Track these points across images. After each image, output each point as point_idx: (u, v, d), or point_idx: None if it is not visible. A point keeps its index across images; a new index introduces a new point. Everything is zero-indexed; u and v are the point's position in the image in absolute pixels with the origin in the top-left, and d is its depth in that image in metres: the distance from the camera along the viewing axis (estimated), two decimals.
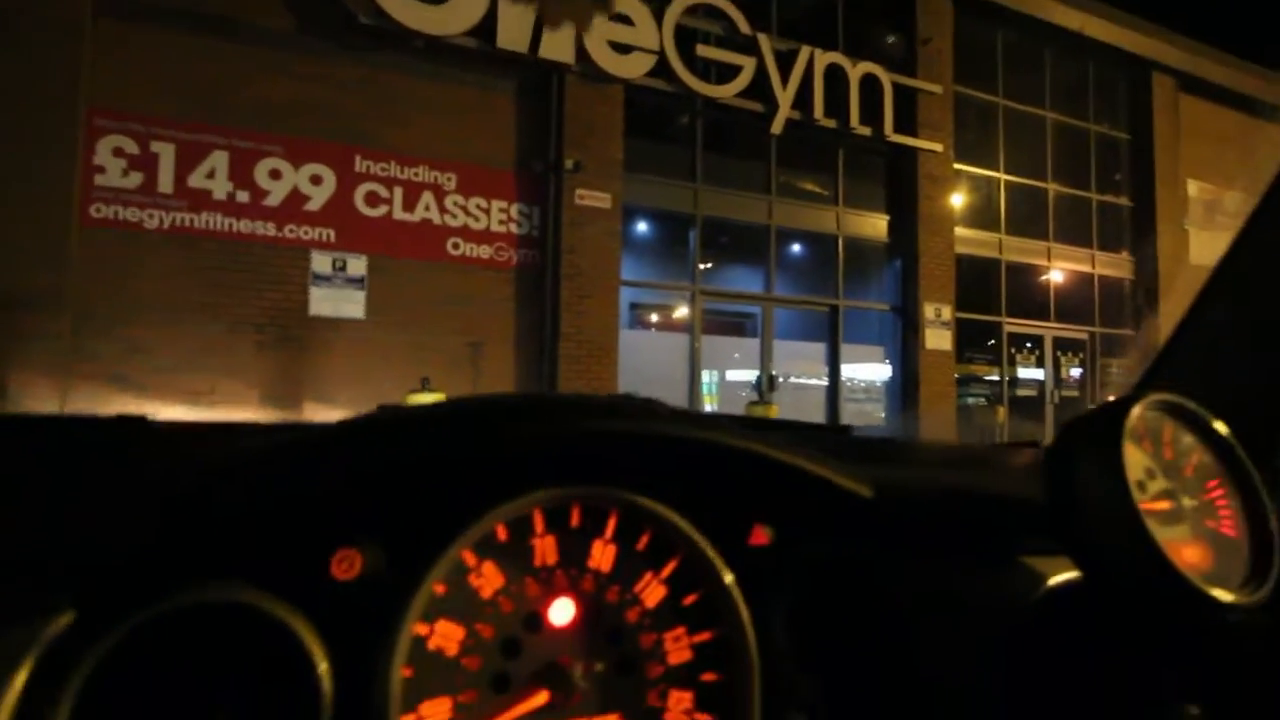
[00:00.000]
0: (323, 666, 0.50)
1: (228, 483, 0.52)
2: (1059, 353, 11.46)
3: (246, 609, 0.49)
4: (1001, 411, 10.13)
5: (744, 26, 8.37)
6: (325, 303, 6.62)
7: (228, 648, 0.49)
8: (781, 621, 0.63)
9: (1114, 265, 11.98)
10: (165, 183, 6.15)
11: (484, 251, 7.31)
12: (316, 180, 6.67)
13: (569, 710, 0.57)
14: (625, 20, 7.70)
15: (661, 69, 7.91)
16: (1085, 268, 11.67)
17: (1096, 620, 0.67)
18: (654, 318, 9.96)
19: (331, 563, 0.52)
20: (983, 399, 10.77)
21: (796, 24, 9.09)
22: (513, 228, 7.44)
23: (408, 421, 0.57)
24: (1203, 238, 12.83)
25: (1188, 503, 0.65)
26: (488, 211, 7.34)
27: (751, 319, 9.72)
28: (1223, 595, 0.60)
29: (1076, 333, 11.62)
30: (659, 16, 7.86)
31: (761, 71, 8.42)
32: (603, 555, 0.60)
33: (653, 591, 0.61)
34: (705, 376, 8.67)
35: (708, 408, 8.56)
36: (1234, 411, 0.71)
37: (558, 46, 7.33)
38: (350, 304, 6.67)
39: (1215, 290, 1.01)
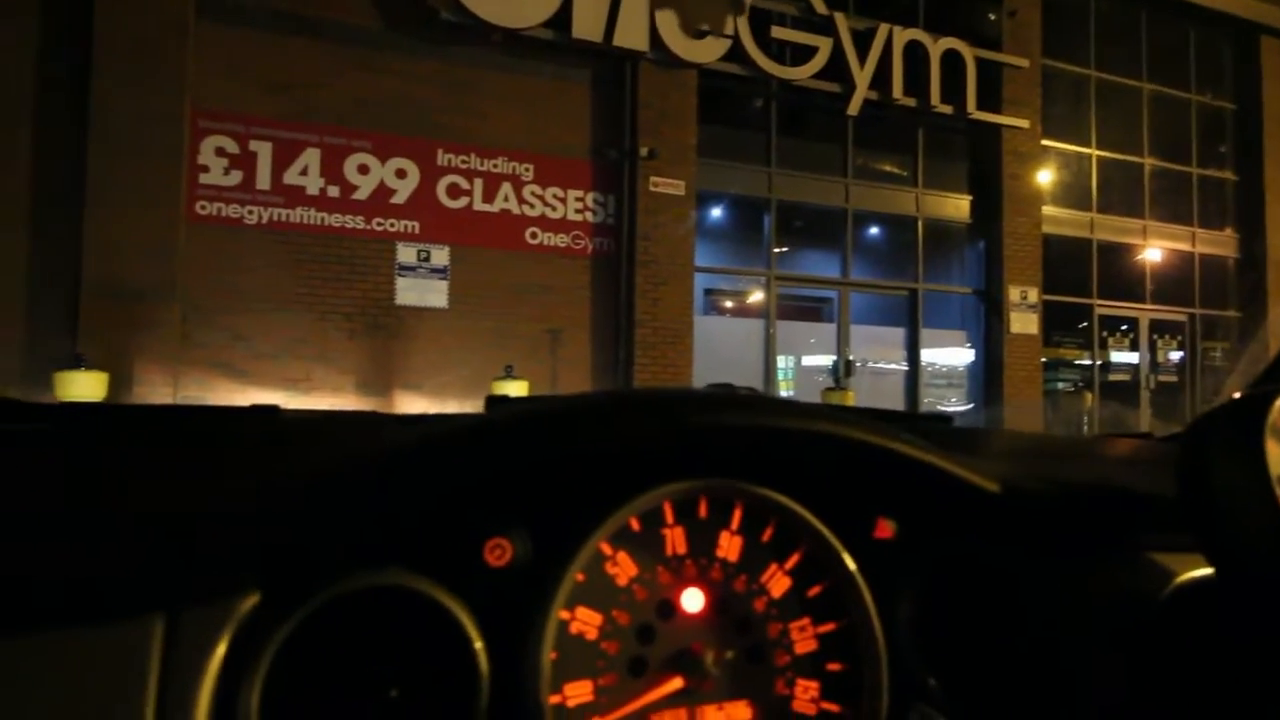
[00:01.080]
0: (478, 645, 0.53)
1: (397, 474, 0.55)
2: (1155, 336, 10.91)
3: (411, 593, 0.52)
4: (1090, 397, 9.69)
5: (820, 6, 8.22)
6: (410, 292, 6.86)
7: (393, 627, 0.53)
8: (906, 614, 0.64)
9: (1217, 243, 11.30)
10: (263, 179, 6.47)
11: (561, 240, 7.43)
12: (401, 174, 6.90)
13: (701, 696, 0.59)
14: (700, 6, 7.67)
15: (736, 53, 7.85)
16: (1185, 246, 11.05)
17: (1230, 619, 0.65)
18: (729, 303, 9.92)
19: (485, 550, 0.56)
20: (1072, 385, 10.35)
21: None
22: (589, 216, 7.54)
23: (551, 417, 0.59)
24: None
25: None
26: (564, 200, 7.45)
27: (829, 304, 9.58)
28: None
29: (1175, 314, 11.03)
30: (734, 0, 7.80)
31: (838, 51, 8.26)
32: (729, 546, 0.63)
33: (778, 582, 0.63)
34: (781, 362, 8.61)
35: (783, 394, 8.50)
36: None
37: (632, 34, 7.36)
38: (434, 293, 6.89)
39: None
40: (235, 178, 6.41)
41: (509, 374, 5.59)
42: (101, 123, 5.92)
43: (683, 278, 7.69)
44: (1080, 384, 10.40)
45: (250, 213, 6.43)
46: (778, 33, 8.06)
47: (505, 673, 0.54)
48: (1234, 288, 11.49)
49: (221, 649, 0.48)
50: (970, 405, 9.49)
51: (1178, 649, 0.66)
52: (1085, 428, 10.14)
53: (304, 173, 6.61)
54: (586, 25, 7.21)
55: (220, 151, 6.38)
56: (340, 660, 0.51)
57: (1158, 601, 0.68)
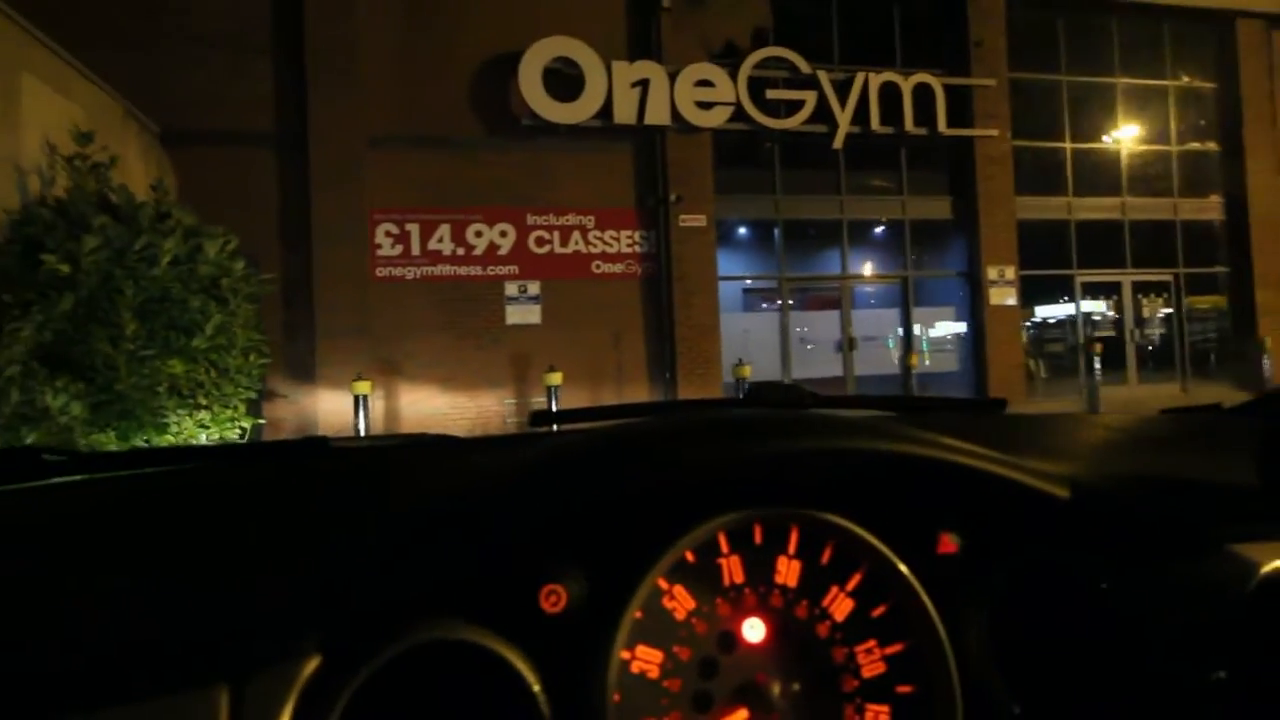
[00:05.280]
0: (539, 693, 0.54)
1: (450, 529, 0.57)
2: (1140, 295, 12.65)
3: (469, 645, 0.53)
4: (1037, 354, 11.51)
5: (804, 67, 10.66)
6: (515, 315, 9.98)
7: (452, 680, 0.54)
8: (978, 629, 0.62)
9: (1199, 209, 12.84)
10: (415, 248, 9.74)
11: (617, 268, 10.35)
12: (504, 234, 10.01)
13: None
14: (707, 84, 10.33)
15: (739, 114, 10.44)
16: (1166, 215, 12.68)
17: None
18: (753, 302, 12.52)
19: (540, 598, 0.56)
20: (1058, 344, 12.35)
21: (856, 47, 11.21)
22: (636, 249, 10.41)
23: (596, 458, 0.61)
24: None
25: None
26: (618, 239, 10.36)
27: (838, 294, 12.04)
28: None
29: (1159, 276, 12.71)
30: (734, 75, 10.39)
31: (822, 100, 10.68)
32: (788, 571, 0.62)
33: (840, 605, 0.62)
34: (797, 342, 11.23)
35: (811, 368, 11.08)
36: None
37: (657, 114, 10.12)
38: (531, 315, 10.00)
39: None
40: (398, 250, 9.71)
41: (551, 369, 8.59)
42: (318, 224, 9.31)
43: (708, 288, 10.45)
44: (1066, 342, 12.36)
45: (409, 272, 9.72)
46: (772, 94, 10.57)
47: (569, 718, 0.54)
48: (1223, 246, 12.99)
49: (290, 710, 0.48)
50: (959, 367, 11.74)
51: (1270, 642, 0.62)
52: (1034, 378, 12.12)
53: (440, 241, 9.83)
54: (624, 113, 10.02)
55: (388, 233, 9.69)
56: (404, 715, 0.52)
57: (1244, 595, 0.64)
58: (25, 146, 4.25)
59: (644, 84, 10.08)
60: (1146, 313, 12.73)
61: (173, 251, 3.94)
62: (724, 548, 0.61)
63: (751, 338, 11.03)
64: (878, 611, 0.62)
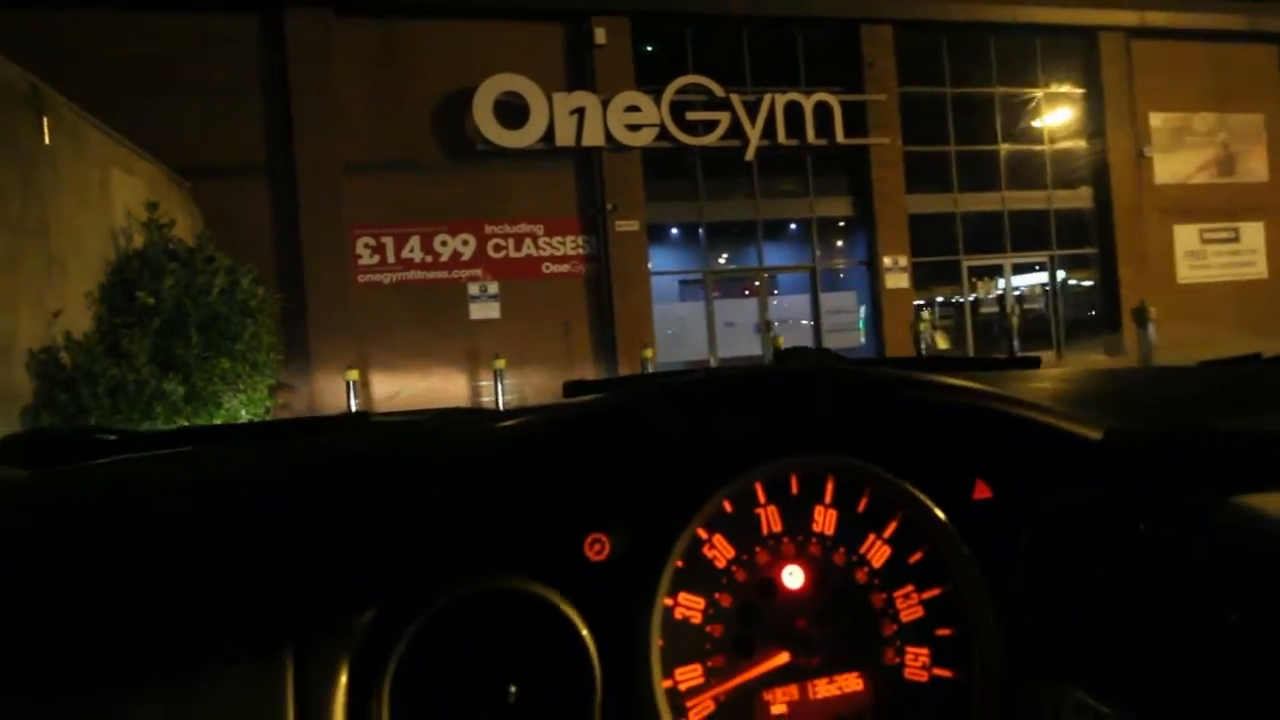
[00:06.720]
0: (588, 638, 0.56)
1: (486, 485, 0.60)
2: (1019, 275, 14.69)
3: (519, 594, 0.56)
4: (927, 322, 13.41)
5: (719, 91, 12.49)
6: (478, 311, 11.82)
7: (504, 628, 0.56)
8: (1016, 573, 0.64)
9: (1071, 199, 14.89)
10: (390, 258, 11.53)
11: (564, 268, 12.20)
12: (466, 243, 11.81)
13: (811, 670, 0.62)
14: (635, 109, 12.15)
15: (664, 134, 12.28)
16: (1041, 206, 14.71)
17: None
18: (685, 292, 14.40)
19: (585, 546, 0.59)
20: (948, 318, 14.40)
21: (763, 71, 13.05)
22: (580, 251, 12.26)
23: (633, 410, 0.63)
24: (1170, 160, 15.28)
25: None
26: (564, 244, 12.20)
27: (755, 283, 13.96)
28: None
29: (1035, 257, 14.77)
30: (658, 100, 12.21)
31: (735, 119, 12.53)
32: (825, 519, 0.65)
33: (878, 551, 0.65)
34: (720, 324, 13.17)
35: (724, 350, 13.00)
36: None
37: (593, 137, 11.94)
38: (491, 310, 11.84)
39: None
40: (375, 259, 11.50)
41: (497, 356, 10.46)
42: (307, 240, 11.07)
43: (642, 283, 12.34)
44: (955, 317, 14.41)
45: (386, 278, 11.51)
46: (691, 115, 12.40)
47: (615, 664, 0.57)
48: (1091, 230, 15.05)
49: (348, 664, 0.51)
50: (862, 342, 13.74)
51: None
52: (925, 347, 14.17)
53: (411, 250, 11.63)
54: (564, 136, 11.83)
55: (366, 245, 11.47)
56: (457, 663, 0.54)
57: (1275, 541, 0.62)
58: (114, 216, 5.99)
59: (580, 111, 11.89)
60: (1025, 290, 14.79)
61: (220, 285, 5.76)
62: (761, 498, 0.64)
63: (684, 323, 12.96)
64: (915, 558, 0.65)
